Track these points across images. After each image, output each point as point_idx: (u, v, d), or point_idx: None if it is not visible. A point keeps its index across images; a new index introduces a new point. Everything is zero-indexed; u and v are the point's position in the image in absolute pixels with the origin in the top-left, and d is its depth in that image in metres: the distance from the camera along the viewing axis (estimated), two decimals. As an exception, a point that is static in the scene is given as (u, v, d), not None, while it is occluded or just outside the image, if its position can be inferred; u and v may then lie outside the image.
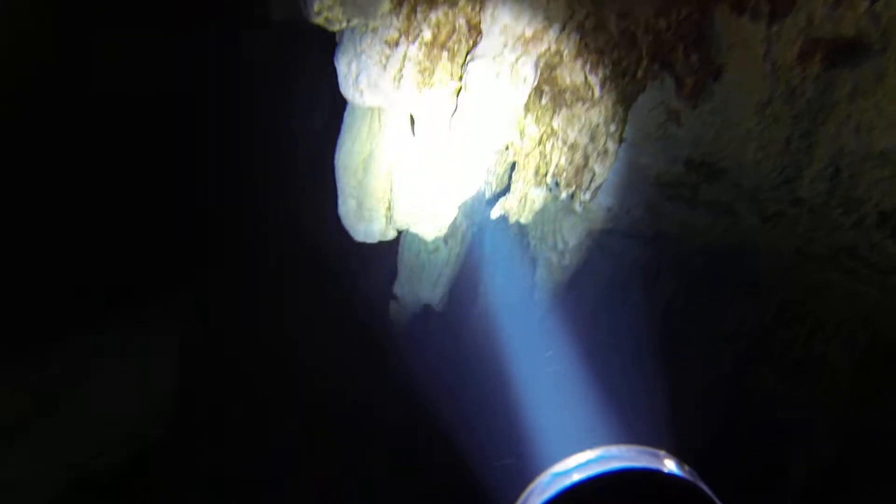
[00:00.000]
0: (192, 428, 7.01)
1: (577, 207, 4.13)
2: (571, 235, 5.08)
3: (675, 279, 5.26)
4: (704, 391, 5.14)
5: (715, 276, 5.08)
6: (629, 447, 1.07)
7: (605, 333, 5.36)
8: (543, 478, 1.08)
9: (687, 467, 1.04)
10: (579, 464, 1.06)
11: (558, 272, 5.24)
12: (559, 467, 1.07)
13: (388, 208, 4.30)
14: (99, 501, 6.40)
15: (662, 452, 1.07)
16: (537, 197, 4.24)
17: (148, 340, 7.29)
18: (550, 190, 4.26)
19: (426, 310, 6.48)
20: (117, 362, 6.96)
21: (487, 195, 4.63)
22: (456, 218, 4.44)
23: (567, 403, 5.44)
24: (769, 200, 3.78)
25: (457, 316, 6.42)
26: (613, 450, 1.07)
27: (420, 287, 6.25)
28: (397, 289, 6.43)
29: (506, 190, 4.47)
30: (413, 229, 4.30)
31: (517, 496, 1.09)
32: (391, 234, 4.39)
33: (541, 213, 5.40)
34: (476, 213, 5.56)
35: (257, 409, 7.25)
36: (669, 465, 1.04)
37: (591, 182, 3.80)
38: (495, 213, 4.38)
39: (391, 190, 4.22)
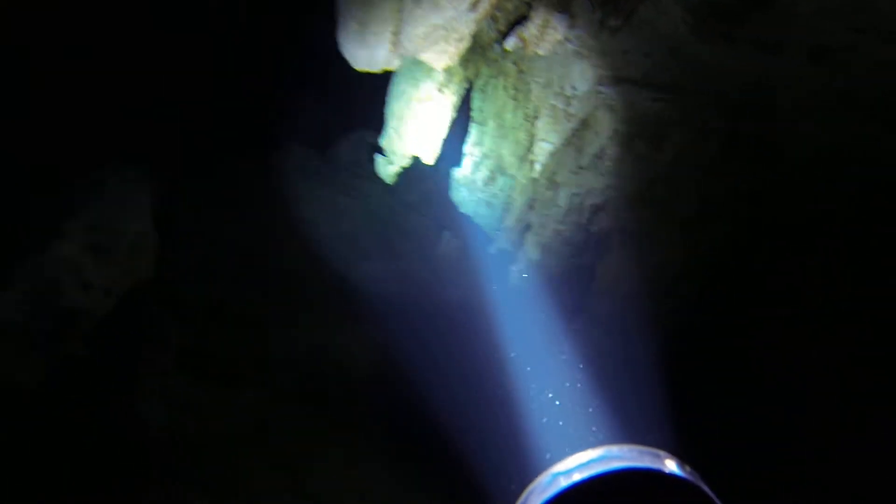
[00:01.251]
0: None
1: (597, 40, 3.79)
2: (581, 81, 4.76)
3: (683, 136, 5.03)
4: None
5: (730, 134, 4.86)
6: (630, 447, 1.07)
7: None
8: (544, 477, 1.07)
9: (688, 467, 1.03)
10: (580, 463, 1.04)
11: (563, 120, 4.95)
12: (560, 467, 1.05)
13: (396, 31, 3.88)
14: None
15: (663, 452, 1.06)
16: (559, 24, 3.87)
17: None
18: (574, 17, 3.89)
19: (415, 163, 6.18)
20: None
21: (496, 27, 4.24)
22: (462, 56, 4.06)
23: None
24: (828, 31, 3.48)
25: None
26: (614, 449, 1.06)
27: (411, 139, 5.91)
28: (384, 141, 6.08)
29: (522, 19, 4.09)
30: (421, 56, 3.91)
31: (517, 495, 1.09)
32: (395, 63, 4.00)
33: (547, 60, 5.05)
34: (478, 57, 5.19)
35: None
36: (670, 466, 1.03)
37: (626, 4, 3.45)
38: (511, 43, 4.01)
39: (401, 10, 3.79)
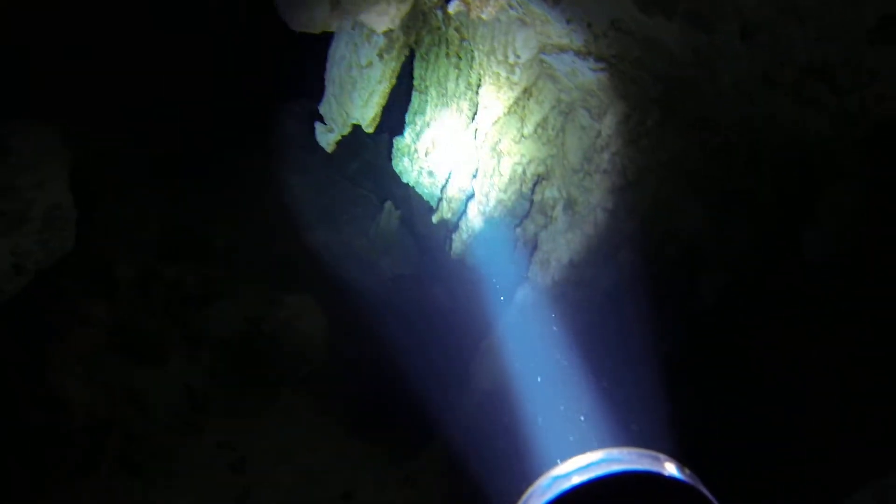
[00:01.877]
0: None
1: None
2: (524, 49, 4.67)
3: (624, 107, 5.03)
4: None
5: (669, 106, 4.89)
6: (629, 450, 1.08)
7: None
8: (543, 480, 1.07)
9: (687, 470, 1.04)
10: (579, 467, 1.04)
11: (507, 88, 4.87)
12: (559, 470, 1.05)
13: (334, -9, 3.69)
14: None
15: (663, 455, 1.07)
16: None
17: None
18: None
19: (356, 132, 6.00)
20: None
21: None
22: (404, 20, 3.90)
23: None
24: (756, 8, 3.52)
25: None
26: (614, 452, 1.07)
27: (350, 106, 5.72)
28: (324, 108, 5.87)
29: (467, -18, 3.96)
30: (361, 17, 3.74)
31: (517, 498, 1.09)
32: (334, 24, 3.82)
33: (490, 27, 4.95)
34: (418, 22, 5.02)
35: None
36: (670, 468, 1.04)
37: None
38: (453, 6, 3.88)
39: (338, -32, 3.61)
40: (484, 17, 3.90)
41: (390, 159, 7.06)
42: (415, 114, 6.60)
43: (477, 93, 5.75)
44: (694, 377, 5.89)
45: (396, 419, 6.25)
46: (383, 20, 3.71)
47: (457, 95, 6.04)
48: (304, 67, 7.09)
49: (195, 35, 7.17)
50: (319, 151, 8.99)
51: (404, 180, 6.93)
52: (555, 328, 5.64)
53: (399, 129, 6.53)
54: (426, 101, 6.44)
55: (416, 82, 6.42)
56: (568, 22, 4.56)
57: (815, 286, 4.72)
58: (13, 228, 4.94)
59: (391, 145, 6.95)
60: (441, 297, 9.13)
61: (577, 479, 1.02)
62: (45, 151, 5.71)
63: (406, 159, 6.75)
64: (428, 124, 6.45)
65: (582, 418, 5.34)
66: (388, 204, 8.49)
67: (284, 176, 8.80)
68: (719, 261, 5.25)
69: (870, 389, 4.35)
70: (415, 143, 6.55)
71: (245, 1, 6.95)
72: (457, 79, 6.02)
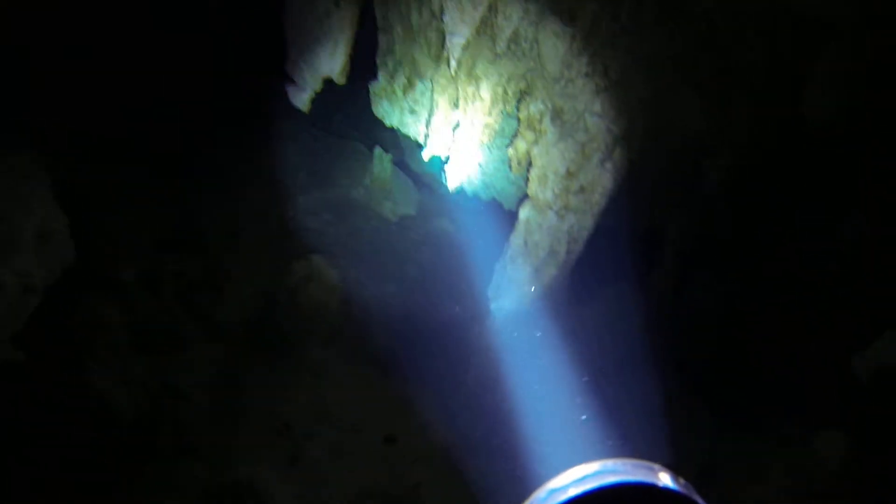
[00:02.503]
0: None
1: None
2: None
3: (597, 5, 4.87)
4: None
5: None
6: (625, 461, 1.09)
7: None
8: (540, 493, 1.08)
9: (682, 480, 1.05)
10: (575, 479, 1.06)
11: (470, 9, 4.71)
12: (555, 483, 1.07)
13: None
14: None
15: (657, 466, 1.08)
16: None
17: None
18: None
19: (330, 88, 5.87)
20: None
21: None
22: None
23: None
24: None
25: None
26: (609, 464, 1.08)
27: (316, 61, 5.58)
28: (290, 68, 5.72)
29: None
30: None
31: None
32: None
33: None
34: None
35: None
36: (664, 479, 1.05)
37: None
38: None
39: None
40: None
41: (370, 105, 6.92)
42: (384, 55, 6.42)
43: (441, 20, 5.58)
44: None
45: (428, 359, 6.38)
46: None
47: (422, 27, 5.86)
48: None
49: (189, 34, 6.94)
50: (301, 116, 8.84)
51: (388, 123, 6.81)
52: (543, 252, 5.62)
53: (373, 74, 6.37)
54: (393, 40, 6.26)
55: (379, 23, 6.22)
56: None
57: (820, 156, 4.67)
58: (9, 253, 4.94)
59: (368, 91, 6.80)
60: (448, 230, 9.16)
61: (573, 492, 1.03)
62: (24, 170, 5.65)
63: (385, 102, 6.62)
64: (400, 63, 6.29)
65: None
66: (377, 150, 8.39)
67: (274, 148, 8.70)
68: (722, 145, 5.18)
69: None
70: (390, 84, 6.41)
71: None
72: (419, 10, 5.83)
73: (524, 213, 5.64)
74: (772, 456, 4.99)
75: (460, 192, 6.48)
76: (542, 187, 5.50)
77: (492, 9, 5.00)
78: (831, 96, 4.53)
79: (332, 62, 5.48)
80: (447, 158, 6.12)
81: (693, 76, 5.20)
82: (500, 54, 5.30)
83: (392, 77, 6.41)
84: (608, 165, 5.36)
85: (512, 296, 5.68)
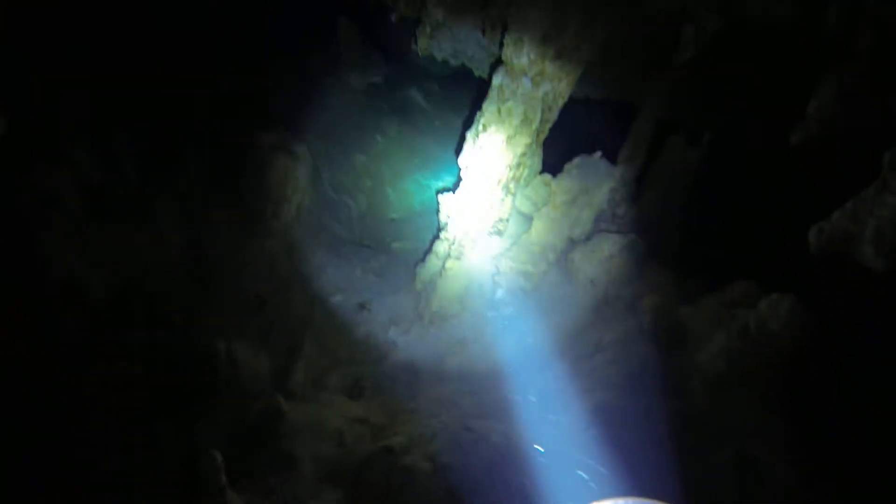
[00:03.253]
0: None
1: None
2: None
3: None
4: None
5: None
6: (635, 500, 1.12)
7: None
8: None
9: None
10: None
11: None
12: None
13: None
14: None
15: None
16: None
17: None
18: None
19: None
20: None
21: None
22: None
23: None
24: None
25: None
26: (620, 502, 1.12)
27: None
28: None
29: None
30: None
31: None
32: None
33: None
34: None
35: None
36: None
37: None
38: None
39: None
40: None
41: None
42: None
43: None
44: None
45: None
46: None
47: None
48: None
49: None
50: None
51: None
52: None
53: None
54: None
55: None
56: None
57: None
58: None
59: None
60: (415, 99, 8.85)
61: None
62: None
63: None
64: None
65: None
66: (341, 19, 7.93)
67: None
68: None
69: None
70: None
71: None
72: None
73: (497, 79, 5.45)
74: (726, 316, 5.18)
75: (429, 59, 6.20)
76: (518, 52, 5.28)
77: None
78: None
79: None
80: (418, 21, 5.80)
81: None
82: None
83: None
84: (587, 33, 5.15)
85: (484, 165, 5.58)
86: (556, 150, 6.04)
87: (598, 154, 5.99)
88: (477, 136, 5.46)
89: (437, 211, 6.02)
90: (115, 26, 5.87)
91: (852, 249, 4.36)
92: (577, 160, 6.01)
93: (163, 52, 6.23)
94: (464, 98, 7.39)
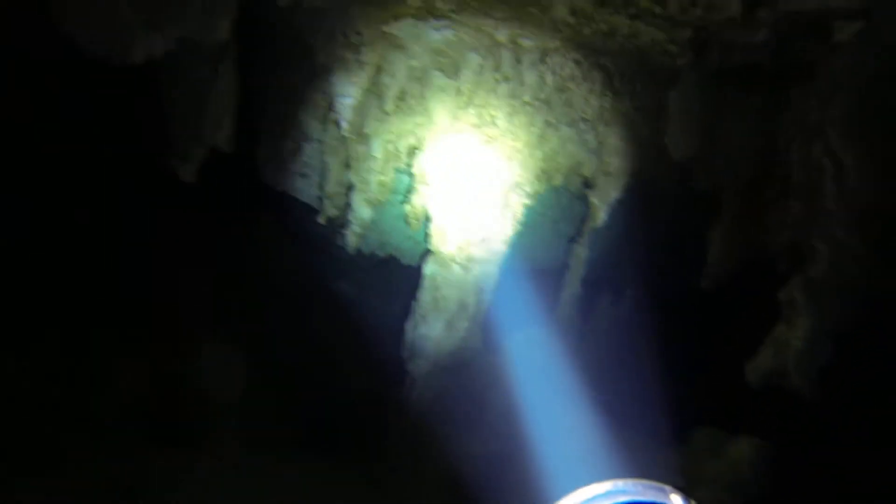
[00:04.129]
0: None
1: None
2: (365, 25, 4.53)
3: (478, 56, 5.03)
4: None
5: (516, 46, 4.93)
6: (635, 482, 1.08)
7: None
8: None
9: (693, 502, 1.02)
10: (586, 499, 1.05)
11: (358, 70, 4.72)
12: (567, 501, 1.05)
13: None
14: None
15: (669, 487, 1.06)
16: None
17: None
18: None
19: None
20: None
21: None
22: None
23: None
24: None
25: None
26: (620, 484, 1.07)
27: (203, 126, 5.38)
28: (172, 133, 5.46)
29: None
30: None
31: None
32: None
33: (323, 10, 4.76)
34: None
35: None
36: (675, 500, 1.04)
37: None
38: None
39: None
40: (319, 3, 3.72)
41: (253, 172, 6.72)
42: (270, 120, 6.30)
43: (327, 80, 5.56)
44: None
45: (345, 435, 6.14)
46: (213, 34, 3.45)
47: (303, 86, 5.80)
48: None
49: None
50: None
51: (277, 188, 6.64)
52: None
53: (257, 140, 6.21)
54: (279, 104, 6.16)
55: (259, 87, 6.11)
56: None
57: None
58: None
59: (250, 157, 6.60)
60: (347, 292, 8.94)
61: None
62: None
63: (272, 166, 6.46)
64: (281, 124, 6.18)
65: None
66: (262, 215, 8.15)
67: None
68: (604, 180, 5.42)
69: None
70: (277, 148, 6.27)
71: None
72: (299, 72, 5.78)
73: (429, 268, 5.63)
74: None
75: (357, 252, 6.39)
76: (444, 241, 5.52)
77: (378, 69, 5.04)
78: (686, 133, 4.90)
79: (219, 129, 5.29)
80: (344, 221, 6.02)
81: (569, 115, 5.45)
82: (390, 112, 5.33)
83: (276, 141, 6.28)
84: (506, 212, 5.47)
85: (427, 354, 5.60)
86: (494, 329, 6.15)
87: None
88: (416, 326, 5.54)
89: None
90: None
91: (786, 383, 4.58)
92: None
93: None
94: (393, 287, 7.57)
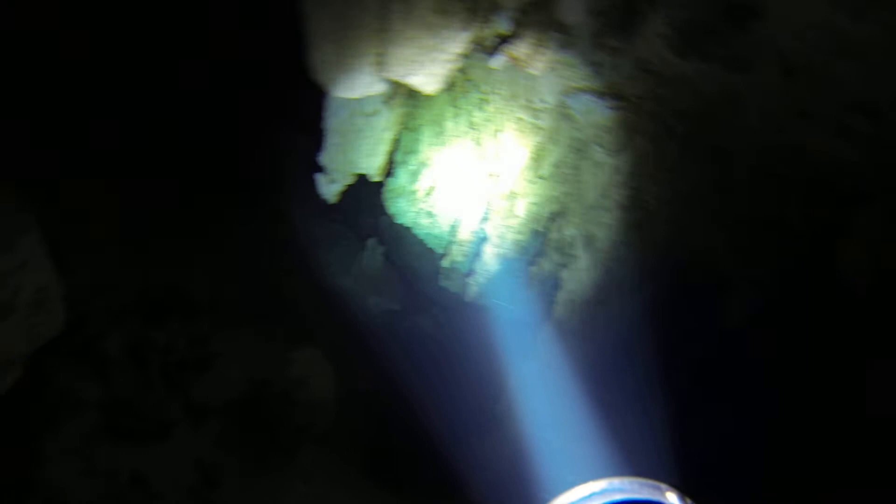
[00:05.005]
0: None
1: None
2: (550, 94, 4.59)
3: (645, 142, 5.02)
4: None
5: (685, 137, 4.90)
6: (631, 479, 1.10)
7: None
8: None
9: (689, 500, 1.06)
10: (583, 496, 1.07)
11: (531, 133, 4.77)
12: (563, 500, 1.08)
13: (380, 52, 3.48)
14: None
15: (664, 485, 1.09)
16: (553, 44, 3.65)
17: None
18: (570, 36, 3.69)
19: (363, 182, 5.76)
20: None
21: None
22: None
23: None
24: (801, 50, 3.55)
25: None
26: (616, 482, 1.10)
27: (356, 155, 5.48)
28: (326, 159, 5.59)
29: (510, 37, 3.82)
30: (410, 80, 3.54)
31: None
32: (379, 87, 3.60)
33: (509, 84, 4.86)
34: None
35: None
36: (671, 498, 1.07)
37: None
38: (499, 62, 3.74)
39: (385, 28, 3.40)
40: (534, 72, 3.77)
41: (382, 199, 6.82)
42: (406, 153, 6.40)
43: (479, 130, 5.63)
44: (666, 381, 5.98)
45: (420, 466, 6.06)
46: (432, 82, 3.53)
47: (457, 135, 5.89)
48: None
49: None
50: (291, 190, 8.63)
51: (399, 221, 6.72)
52: (580, 366, 5.57)
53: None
54: (419, 139, 6.26)
55: (407, 122, 6.23)
56: (593, 65, 4.50)
57: (849, 315, 4.85)
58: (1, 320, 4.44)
59: (383, 186, 6.71)
60: (430, 328, 8.94)
61: None
62: (15, 222, 5.16)
63: (402, 201, 6.54)
64: (425, 164, 6.27)
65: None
66: (371, 241, 8.23)
67: (254, 216, 8.42)
68: (747, 284, 5.32)
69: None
70: (411, 183, 6.36)
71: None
72: (455, 118, 5.88)
73: (544, 335, 5.59)
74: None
75: (475, 304, 6.38)
76: (570, 312, 5.48)
77: (547, 134, 5.08)
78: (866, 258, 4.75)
79: (371, 159, 5.39)
80: (470, 270, 6.04)
81: (725, 218, 5.38)
82: (543, 177, 5.35)
83: (414, 177, 6.36)
84: (637, 296, 5.40)
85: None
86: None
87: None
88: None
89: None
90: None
91: None
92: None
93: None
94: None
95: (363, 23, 3.37)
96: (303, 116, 6.79)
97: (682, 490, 1.06)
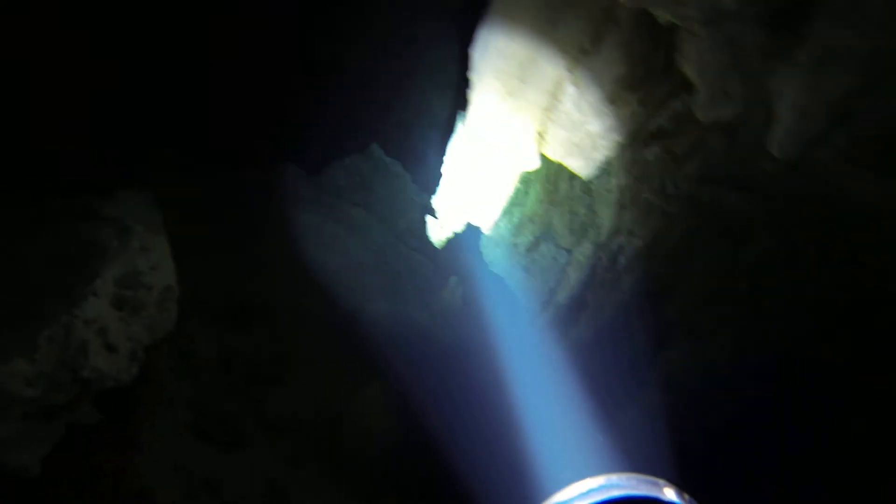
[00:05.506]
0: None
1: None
2: (684, 181, 4.62)
3: (769, 239, 5.01)
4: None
5: (824, 247, 4.88)
6: (629, 475, 1.09)
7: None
8: None
9: (686, 496, 1.06)
10: (580, 493, 1.07)
11: (657, 217, 4.81)
12: (561, 496, 1.08)
13: (542, 132, 3.59)
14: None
15: (662, 481, 1.08)
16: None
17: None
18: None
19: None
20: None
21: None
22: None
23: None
24: None
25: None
26: (614, 478, 1.09)
27: (471, 203, 5.60)
28: (439, 202, 5.71)
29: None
30: (566, 161, 3.64)
31: None
32: (535, 164, 3.70)
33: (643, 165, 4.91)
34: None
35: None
36: (669, 494, 1.07)
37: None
38: (652, 153, 3.80)
39: (551, 108, 3.50)
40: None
41: (477, 243, 6.90)
42: (513, 203, 6.48)
43: (594, 199, 5.68)
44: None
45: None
46: (589, 165, 3.62)
47: (570, 197, 5.95)
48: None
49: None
50: (375, 211, 8.81)
51: (492, 269, 6.79)
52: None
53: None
54: (527, 192, 6.34)
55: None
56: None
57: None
58: (133, 315, 4.67)
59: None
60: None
61: None
62: (149, 225, 5.43)
63: (499, 250, 6.62)
64: (530, 219, 6.34)
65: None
66: (453, 279, 8.32)
67: (336, 233, 8.60)
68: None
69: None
70: (514, 236, 6.43)
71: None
72: (570, 179, 5.94)
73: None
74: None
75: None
76: (656, 393, 5.46)
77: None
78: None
79: (486, 207, 5.50)
80: (563, 332, 6.07)
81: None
82: (657, 256, 5.38)
83: (518, 230, 6.43)
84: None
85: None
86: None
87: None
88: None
89: None
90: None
91: None
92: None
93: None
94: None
95: (532, 99, 3.47)
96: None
97: (679, 486, 1.07)
